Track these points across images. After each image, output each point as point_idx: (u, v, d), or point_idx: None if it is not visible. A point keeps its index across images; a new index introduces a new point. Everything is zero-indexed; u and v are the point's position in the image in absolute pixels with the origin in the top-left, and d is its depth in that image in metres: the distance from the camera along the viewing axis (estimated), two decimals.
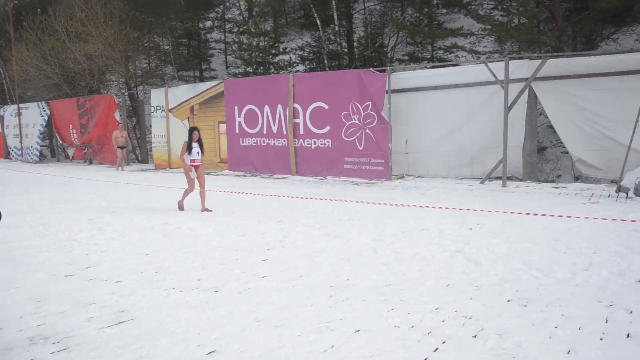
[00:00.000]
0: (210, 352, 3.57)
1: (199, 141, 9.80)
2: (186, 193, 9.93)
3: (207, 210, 9.68)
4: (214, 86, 17.29)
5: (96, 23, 22.50)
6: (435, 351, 3.52)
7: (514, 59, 12.37)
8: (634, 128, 10.50)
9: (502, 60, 12.09)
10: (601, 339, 3.64)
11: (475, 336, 3.74)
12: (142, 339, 3.82)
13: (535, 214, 8.11)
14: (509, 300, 4.47)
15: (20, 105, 25.23)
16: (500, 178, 12.17)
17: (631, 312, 4.12)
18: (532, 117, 12.43)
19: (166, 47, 30.04)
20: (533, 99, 12.33)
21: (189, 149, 9.69)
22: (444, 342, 3.65)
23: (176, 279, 5.35)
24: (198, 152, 9.73)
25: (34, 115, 24.66)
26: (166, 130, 18.87)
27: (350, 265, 5.75)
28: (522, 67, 12.17)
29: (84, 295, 4.88)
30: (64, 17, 23.48)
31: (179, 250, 6.69)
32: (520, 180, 12.54)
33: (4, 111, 27.36)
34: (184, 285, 5.15)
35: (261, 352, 3.54)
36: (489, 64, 12.11)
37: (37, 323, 4.21)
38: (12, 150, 26.79)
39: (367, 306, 4.42)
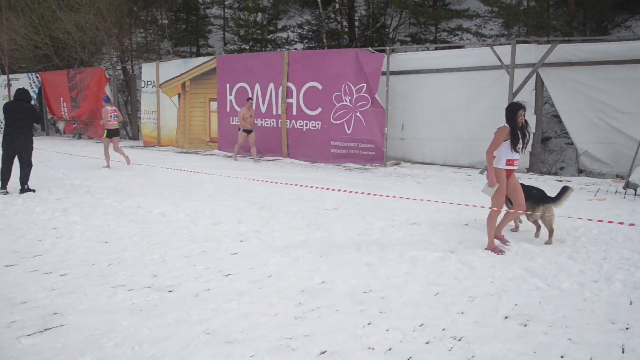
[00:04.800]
0: None
1: (523, 127, 5.64)
2: (503, 221, 5.78)
3: (504, 243, 5.74)
4: (207, 62, 16.49)
5: None
6: None
7: (521, 42, 11.59)
8: None
9: (509, 44, 11.35)
10: None
11: None
12: (63, 354, 3.17)
13: None
14: (506, 317, 3.82)
15: (11, 76, 24.37)
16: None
17: None
18: (537, 105, 11.71)
19: (164, 21, 29.04)
20: (540, 86, 11.61)
21: (513, 141, 5.47)
22: None
23: (129, 274, 4.70)
24: (520, 148, 5.62)
25: (25, 86, 23.86)
26: (156, 106, 18.11)
27: (328, 264, 5.10)
28: (529, 52, 11.40)
29: (17, 292, 4.23)
30: None
31: (142, 238, 6.04)
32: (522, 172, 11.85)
33: None
34: (135, 282, 4.51)
35: None
36: (494, 47, 11.35)
37: None
38: (1, 123, 26.01)
39: (339, 319, 3.78)
